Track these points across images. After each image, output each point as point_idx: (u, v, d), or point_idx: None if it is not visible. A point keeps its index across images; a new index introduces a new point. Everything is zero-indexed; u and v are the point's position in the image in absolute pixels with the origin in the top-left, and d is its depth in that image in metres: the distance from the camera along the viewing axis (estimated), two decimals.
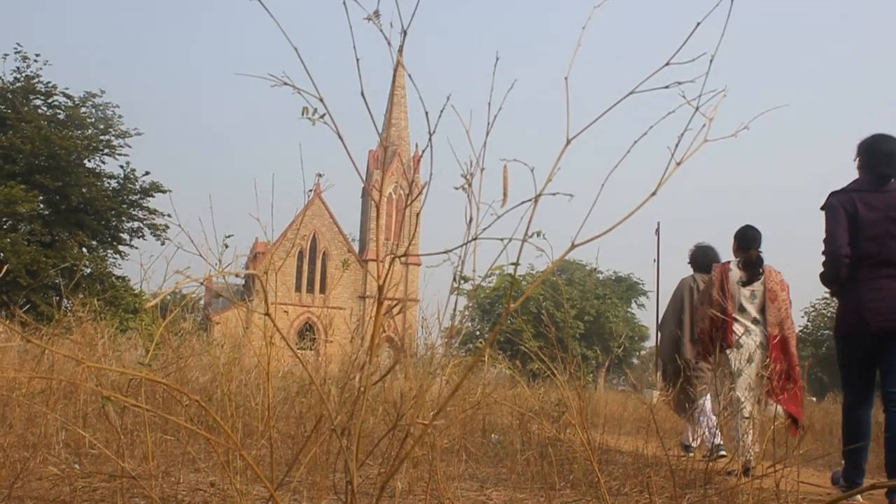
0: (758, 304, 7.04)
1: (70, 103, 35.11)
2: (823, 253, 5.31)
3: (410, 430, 2.93)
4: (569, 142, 2.41)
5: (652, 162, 2.68)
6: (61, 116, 35.00)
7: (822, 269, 5.39)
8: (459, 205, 2.70)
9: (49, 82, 34.50)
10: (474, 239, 2.51)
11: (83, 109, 35.28)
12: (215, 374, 6.37)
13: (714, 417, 7.49)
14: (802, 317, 57.63)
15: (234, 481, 3.74)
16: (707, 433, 7.66)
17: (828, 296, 56.63)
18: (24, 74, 33.80)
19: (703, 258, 8.82)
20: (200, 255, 3.64)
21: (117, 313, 33.84)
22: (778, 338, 6.88)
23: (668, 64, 2.38)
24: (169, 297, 6.70)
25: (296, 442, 6.16)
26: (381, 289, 2.67)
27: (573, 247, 2.43)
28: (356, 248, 69.90)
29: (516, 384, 9.12)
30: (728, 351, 6.90)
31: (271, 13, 2.61)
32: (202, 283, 3.11)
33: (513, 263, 2.41)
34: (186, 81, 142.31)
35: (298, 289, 65.39)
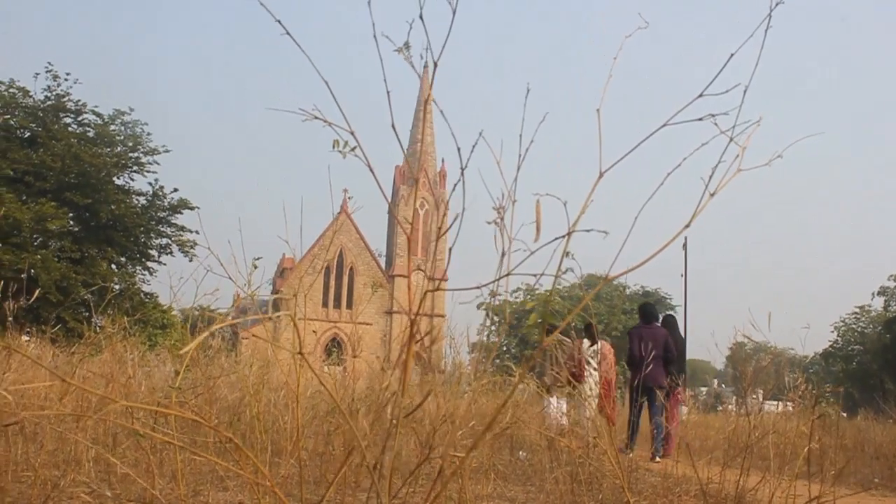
0: (596, 360, 12.71)
1: (99, 121, 35.37)
2: (629, 353, 12.12)
3: (444, 463, 2.90)
4: (602, 174, 2.39)
5: (683, 186, 2.65)
6: (91, 134, 35.23)
7: (627, 359, 12.22)
8: (487, 227, 2.69)
9: (79, 100, 34.78)
10: (507, 275, 2.49)
11: (112, 127, 35.52)
12: (244, 393, 6.38)
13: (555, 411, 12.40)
14: (832, 332, 56.90)
15: (263, 501, 3.74)
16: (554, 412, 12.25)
17: (858, 309, 56.43)
18: (54, 93, 34.13)
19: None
20: (230, 278, 3.66)
21: (146, 329, 34.06)
22: (605, 380, 12.63)
23: (701, 95, 2.35)
24: (196, 313, 6.71)
25: (324, 460, 6.16)
26: (411, 337, 2.64)
27: (607, 279, 2.42)
28: (383, 262, 69.94)
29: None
30: (581, 382, 12.17)
31: (302, 48, 2.62)
32: (230, 320, 3.11)
33: (547, 295, 2.40)
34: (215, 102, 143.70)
35: (325, 304, 65.49)
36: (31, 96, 33.95)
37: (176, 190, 36.86)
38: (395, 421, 2.64)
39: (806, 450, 4.68)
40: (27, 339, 12.56)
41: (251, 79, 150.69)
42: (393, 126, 2.65)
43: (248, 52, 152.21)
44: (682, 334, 14.32)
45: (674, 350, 12.00)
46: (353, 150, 2.53)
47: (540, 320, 2.43)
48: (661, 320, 13.34)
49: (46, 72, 33.77)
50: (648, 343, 11.40)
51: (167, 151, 36.91)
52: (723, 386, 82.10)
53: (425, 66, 2.91)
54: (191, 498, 4.86)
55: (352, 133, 2.50)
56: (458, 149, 2.56)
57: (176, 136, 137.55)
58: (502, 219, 2.48)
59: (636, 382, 11.02)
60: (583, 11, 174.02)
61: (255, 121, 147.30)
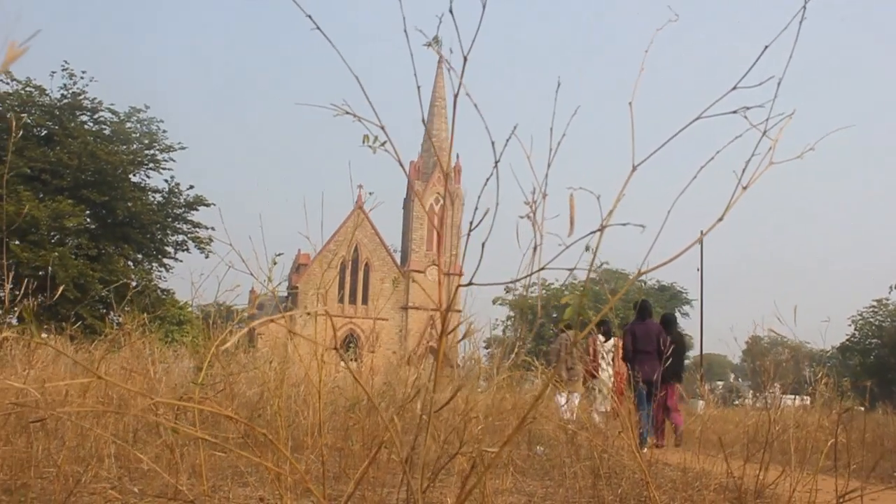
0: (610, 356, 13.90)
1: (115, 119, 35.48)
2: (622, 349, 12.85)
3: (477, 458, 2.89)
4: (634, 168, 2.38)
5: (710, 181, 2.63)
6: (107, 132, 35.32)
7: (622, 354, 12.92)
8: (506, 222, 2.68)
9: (95, 98, 34.92)
10: (541, 269, 2.49)
11: (128, 125, 35.61)
12: (264, 388, 6.40)
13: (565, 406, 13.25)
14: (849, 325, 56.45)
15: (285, 496, 3.75)
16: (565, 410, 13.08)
17: (875, 303, 55.72)
18: (70, 91, 34.25)
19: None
20: (251, 274, 3.67)
21: (163, 326, 34.21)
22: (620, 373, 13.49)
23: (735, 88, 2.34)
24: (214, 309, 6.75)
25: (343, 455, 6.17)
26: (443, 332, 2.64)
27: (640, 273, 2.41)
28: (398, 258, 69.99)
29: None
30: (595, 376, 13.28)
31: (333, 43, 2.61)
32: (266, 318, 3.12)
33: (581, 292, 2.39)
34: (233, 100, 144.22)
35: (341, 300, 65.55)
36: (47, 94, 34.09)
37: (192, 187, 37.03)
38: (425, 416, 2.63)
39: (830, 443, 4.66)
40: (45, 336, 12.65)
41: (251, 78, 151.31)
42: (424, 121, 2.66)
43: (248, 52, 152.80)
44: (689, 331, 15.49)
45: (665, 346, 12.44)
46: (382, 144, 2.53)
47: (575, 315, 2.43)
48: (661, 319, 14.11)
49: (63, 70, 33.94)
50: (641, 339, 12.37)
51: (183, 148, 37.03)
52: (739, 380, 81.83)
53: (439, 62, 2.91)
54: (212, 493, 4.88)
55: (382, 128, 2.50)
56: (493, 143, 2.55)
57: (176, 136, 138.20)
58: (534, 213, 2.47)
59: (649, 377, 11.46)
60: (582, 11, 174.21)
61: (256, 119, 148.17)
